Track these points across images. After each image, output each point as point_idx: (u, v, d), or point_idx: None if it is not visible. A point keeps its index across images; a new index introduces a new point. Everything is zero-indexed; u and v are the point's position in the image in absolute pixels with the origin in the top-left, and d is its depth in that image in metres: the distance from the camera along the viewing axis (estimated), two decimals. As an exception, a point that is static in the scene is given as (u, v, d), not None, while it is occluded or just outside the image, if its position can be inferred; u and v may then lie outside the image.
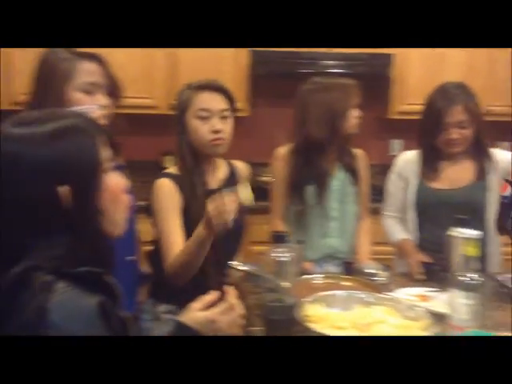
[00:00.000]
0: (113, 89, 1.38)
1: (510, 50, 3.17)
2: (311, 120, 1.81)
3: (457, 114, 1.75)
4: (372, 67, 3.06)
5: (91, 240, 0.82)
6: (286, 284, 1.32)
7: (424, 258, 1.77)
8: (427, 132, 1.84)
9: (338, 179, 1.87)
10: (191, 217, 1.48)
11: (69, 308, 0.73)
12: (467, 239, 1.39)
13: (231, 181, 1.62)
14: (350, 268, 1.77)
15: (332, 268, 1.83)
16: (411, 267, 1.76)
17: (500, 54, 3.19)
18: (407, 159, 1.93)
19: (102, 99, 1.34)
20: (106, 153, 0.84)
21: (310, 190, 1.83)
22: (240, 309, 1.03)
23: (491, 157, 1.85)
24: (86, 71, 1.33)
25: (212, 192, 1.45)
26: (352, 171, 1.88)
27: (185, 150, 1.54)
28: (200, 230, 1.36)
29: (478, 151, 1.85)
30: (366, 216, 1.98)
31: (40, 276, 0.75)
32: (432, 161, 1.86)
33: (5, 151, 0.78)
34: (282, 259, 1.32)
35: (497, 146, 2.01)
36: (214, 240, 1.39)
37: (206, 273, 1.47)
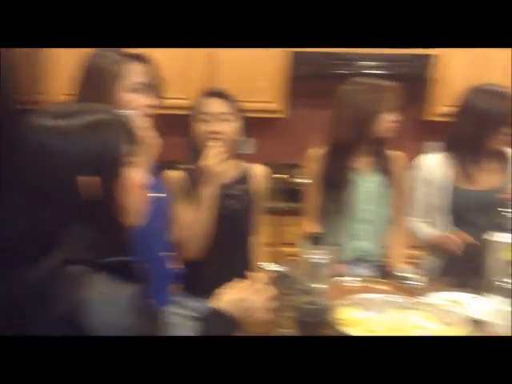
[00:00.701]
0: (158, 89, 1.41)
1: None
2: (342, 121, 1.81)
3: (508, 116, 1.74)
4: (411, 68, 3.02)
5: (113, 230, 0.84)
6: (320, 286, 1.31)
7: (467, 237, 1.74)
8: (473, 134, 1.79)
9: (372, 181, 1.85)
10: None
11: (106, 298, 0.75)
12: (505, 244, 1.34)
13: (241, 181, 1.71)
14: (382, 271, 1.75)
15: (364, 271, 1.81)
16: (452, 243, 1.74)
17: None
18: (434, 163, 1.87)
19: (149, 99, 1.37)
20: (129, 148, 0.86)
21: (341, 192, 1.82)
22: (269, 291, 1.06)
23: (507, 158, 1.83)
24: (134, 72, 1.35)
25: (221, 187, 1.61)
26: (387, 174, 1.86)
27: (191, 151, 1.67)
28: (201, 191, 1.56)
29: (499, 153, 1.83)
30: (401, 219, 1.95)
31: (74, 268, 0.77)
32: (469, 163, 1.82)
33: (39, 142, 0.80)
34: (318, 261, 1.32)
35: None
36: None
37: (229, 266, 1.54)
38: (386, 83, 1.82)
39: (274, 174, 3.18)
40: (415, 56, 2.96)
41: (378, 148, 1.85)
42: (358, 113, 1.77)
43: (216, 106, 1.65)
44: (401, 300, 1.34)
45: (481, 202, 1.78)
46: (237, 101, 1.70)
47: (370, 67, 3.00)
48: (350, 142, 1.81)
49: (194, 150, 1.66)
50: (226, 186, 1.66)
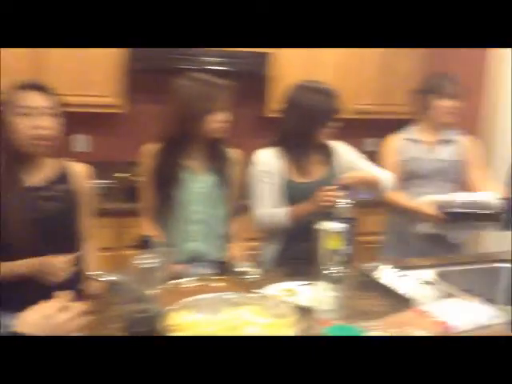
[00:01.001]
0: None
1: (378, 50, 3.39)
2: (172, 117, 1.76)
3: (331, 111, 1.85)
4: (249, 65, 3.08)
5: None
6: (152, 292, 1.25)
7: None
8: (299, 129, 1.87)
9: (205, 181, 1.83)
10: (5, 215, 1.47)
11: None
12: (330, 232, 1.43)
13: (61, 181, 1.60)
14: (221, 268, 1.74)
15: (202, 270, 1.78)
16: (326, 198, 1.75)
17: (369, 55, 3.39)
18: (268, 157, 1.91)
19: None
20: None
21: (172, 192, 1.77)
22: (78, 308, 1.04)
23: (333, 150, 1.96)
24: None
25: (32, 189, 1.51)
26: (221, 174, 1.84)
27: (2, 149, 1.51)
28: None
29: (324, 145, 1.94)
30: (237, 217, 1.97)
31: None
32: (298, 156, 1.90)
33: None
34: (149, 266, 1.26)
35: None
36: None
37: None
38: (220, 81, 1.78)
39: (115, 172, 3.05)
40: (254, 53, 3.03)
41: (211, 147, 1.83)
42: (188, 109, 1.72)
43: (35, 99, 1.50)
44: (234, 296, 1.33)
45: (312, 194, 1.86)
46: (57, 94, 1.55)
47: (210, 63, 3.00)
48: (181, 140, 1.76)
49: (8, 148, 1.49)
50: (42, 188, 1.52)
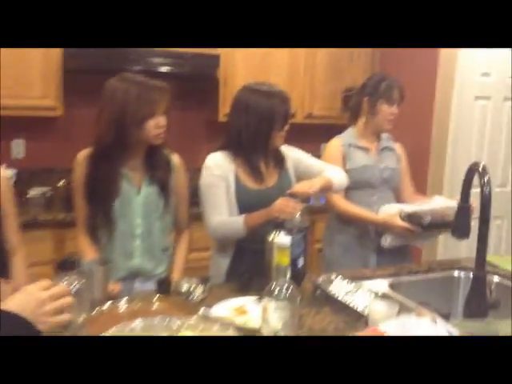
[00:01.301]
0: None
1: (327, 53, 3.34)
2: (106, 122, 1.60)
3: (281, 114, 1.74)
4: (199, 68, 2.95)
5: None
6: (78, 319, 1.10)
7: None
8: (257, 134, 1.75)
9: (144, 192, 1.68)
10: None
11: None
12: (281, 246, 1.32)
13: None
14: (164, 285, 1.60)
15: (141, 288, 1.65)
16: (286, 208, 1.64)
17: (318, 58, 3.35)
18: (221, 160, 1.78)
19: None
20: None
21: (108, 204, 1.62)
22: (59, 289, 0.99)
23: (284, 155, 1.86)
24: None
25: None
26: (163, 183, 1.70)
27: None
28: None
29: (277, 151, 1.84)
30: (187, 229, 1.84)
31: None
32: (251, 161, 1.78)
33: None
34: (72, 290, 1.10)
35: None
36: None
37: None
38: (159, 83, 1.64)
39: (52, 180, 2.85)
40: (203, 56, 2.90)
41: (151, 154, 1.69)
42: (125, 114, 1.57)
43: None
44: (175, 321, 1.20)
45: (266, 200, 1.75)
46: None
47: (157, 64, 2.85)
48: (117, 147, 1.61)
49: None
50: None
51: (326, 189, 1.82)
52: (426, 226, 2.00)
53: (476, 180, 1.46)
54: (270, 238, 1.46)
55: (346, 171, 2.04)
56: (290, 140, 1.88)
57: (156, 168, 1.69)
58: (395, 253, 2.15)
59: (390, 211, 2.08)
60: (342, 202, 2.15)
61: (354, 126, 2.24)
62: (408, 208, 2.05)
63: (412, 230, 2.00)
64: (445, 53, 3.10)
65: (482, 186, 1.41)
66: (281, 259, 1.32)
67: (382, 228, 2.11)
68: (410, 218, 2.01)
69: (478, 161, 1.53)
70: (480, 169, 1.43)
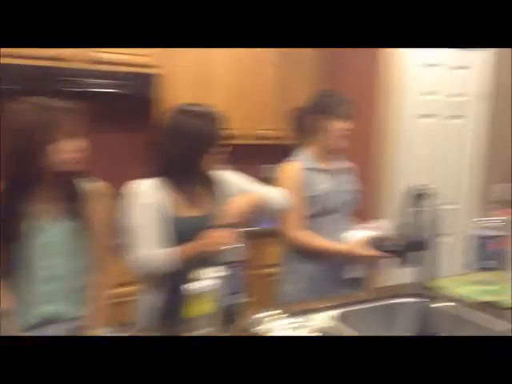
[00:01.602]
0: None
1: (272, 73, 3.25)
2: (8, 151, 1.41)
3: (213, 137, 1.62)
4: (133, 88, 2.81)
5: None
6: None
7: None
8: (185, 157, 1.60)
9: (55, 230, 1.50)
10: None
11: None
12: (202, 293, 1.15)
13: None
14: (82, 330, 1.41)
15: (59, 332, 1.47)
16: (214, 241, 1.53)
17: (263, 77, 3.25)
18: (149, 187, 1.62)
19: None
20: None
21: (14, 246, 1.43)
22: None
23: (221, 179, 1.73)
24: None
25: None
26: (79, 217, 1.53)
27: None
28: None
29: (209, 175, 1.70)
30: (104, 267, 1.64)
31: None
32: (182, 187, 1.63)
33: None
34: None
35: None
36: None
37: None
38: (62, 104, 1.47)
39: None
40: (138, 75, 2.79)
41: (63, 184, 1.51)
42: (24, 140, 1.40)
43: None
44: None
45: (201, 229, 1.59)
46: None
47: (88, 85, 2.67)
48: (21, 179, 1.44)
49: None
50: None
51: (260, 206, 1.68)
52: (395, 253, 1.80)
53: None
54: (188, 288, 1.28)
55: (308, 198, 1.90)
56: (234, 162, 1.74)
57: (69, 200, 1.51)
58: (357, 281, 2.02)
59: (353, 238, 1.91)
60: (301, 235, 1.98)
61: (308, 147, 2.08)
62: (368, 234, 1.89)
63: (381, 256, 1.84)
64: (388, 70, 3.07)
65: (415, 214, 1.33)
66: (203, 307, 1.13)
67: (347, 258, 1.95)
68: (375, 245, 1.85)
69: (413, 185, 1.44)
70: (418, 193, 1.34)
